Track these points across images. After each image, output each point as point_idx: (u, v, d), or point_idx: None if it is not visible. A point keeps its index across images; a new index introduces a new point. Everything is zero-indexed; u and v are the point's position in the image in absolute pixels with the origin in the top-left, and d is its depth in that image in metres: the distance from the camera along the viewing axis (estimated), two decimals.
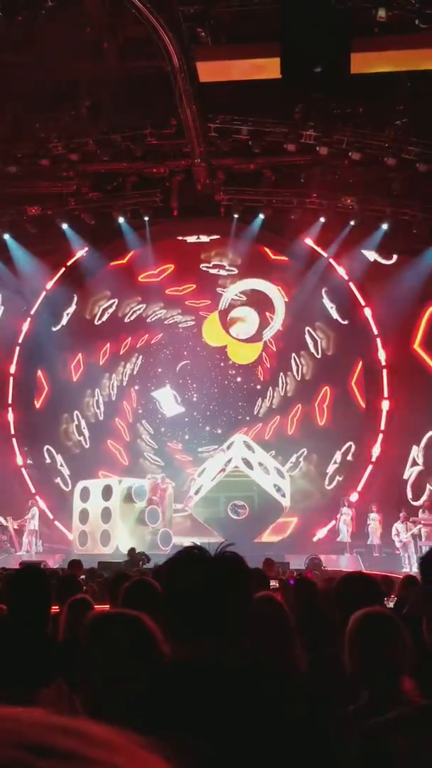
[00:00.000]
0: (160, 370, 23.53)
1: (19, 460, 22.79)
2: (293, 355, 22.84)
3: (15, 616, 3.42)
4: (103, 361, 23.53)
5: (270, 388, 23.12)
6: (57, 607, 4.46)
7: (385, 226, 20.74)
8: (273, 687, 1.83)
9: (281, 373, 23.02)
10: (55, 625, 4.52)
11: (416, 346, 21.55)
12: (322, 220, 21.15)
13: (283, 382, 23.04)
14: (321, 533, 21.52)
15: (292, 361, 22.84)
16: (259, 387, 23.21)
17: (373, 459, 21.53)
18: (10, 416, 22.90)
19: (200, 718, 1.60)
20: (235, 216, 21.65)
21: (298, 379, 22.91)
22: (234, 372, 23.41)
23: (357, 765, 1.58)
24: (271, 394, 23.13)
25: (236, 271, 23.35)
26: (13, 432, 22.86)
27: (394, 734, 1.56)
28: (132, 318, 23.67)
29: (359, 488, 21.51)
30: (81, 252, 22.69)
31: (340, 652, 3.09)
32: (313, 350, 22.72)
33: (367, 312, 21.96)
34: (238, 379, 23.36)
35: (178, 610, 1.83)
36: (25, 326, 23.10)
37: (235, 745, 1.60)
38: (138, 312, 23.68)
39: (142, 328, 23.62)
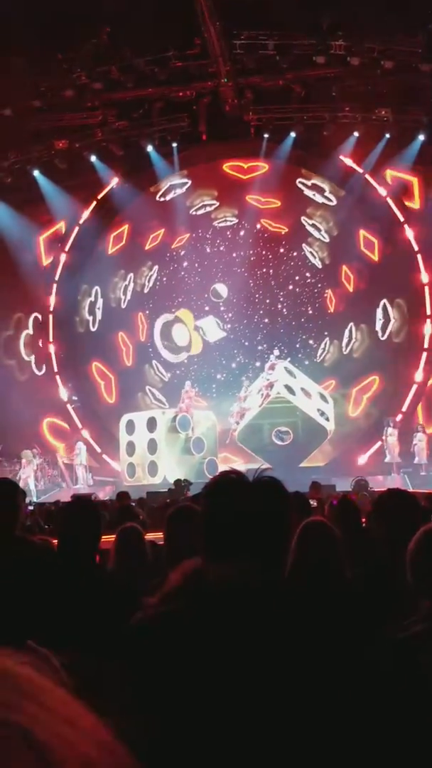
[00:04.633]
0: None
1: (64, 396, 23.02)
2: (327, 339, 22.98)
3: (66, 549, 3.46)
4: (178, 244, 23.76)
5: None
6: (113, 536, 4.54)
7: (422, 137, 19.99)
8: (317, 605, 1.81)
9: (308, 347, 23.18)
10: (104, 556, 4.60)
11: None
12: (356, 134, 20.47)
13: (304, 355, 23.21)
14: (366, 455, 21.55)
15: (321, 346, 23.07)
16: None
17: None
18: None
19: (235, 638, 1.59)
20: (266, 136, 21.10)
21: (317, 361, 23.08)
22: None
23: (389, 677, 1.57)
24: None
25: (327, 239, 23.06)
26: (56, 368, 23.08)
27: (425, 645, 1.54)
28: (221, 225, 23.76)
29: (404, 408, 21.37)
30: (112, 184, 22.40)
31: (386, 567, 3.08)
32: (343, 345, 22.75)
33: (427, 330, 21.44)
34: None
35: (214, 533, 1.82)
36: (63, 258, 23.10)
37: (274, 664, 1.59)
38: (229, 224, 23.73)
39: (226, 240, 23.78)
